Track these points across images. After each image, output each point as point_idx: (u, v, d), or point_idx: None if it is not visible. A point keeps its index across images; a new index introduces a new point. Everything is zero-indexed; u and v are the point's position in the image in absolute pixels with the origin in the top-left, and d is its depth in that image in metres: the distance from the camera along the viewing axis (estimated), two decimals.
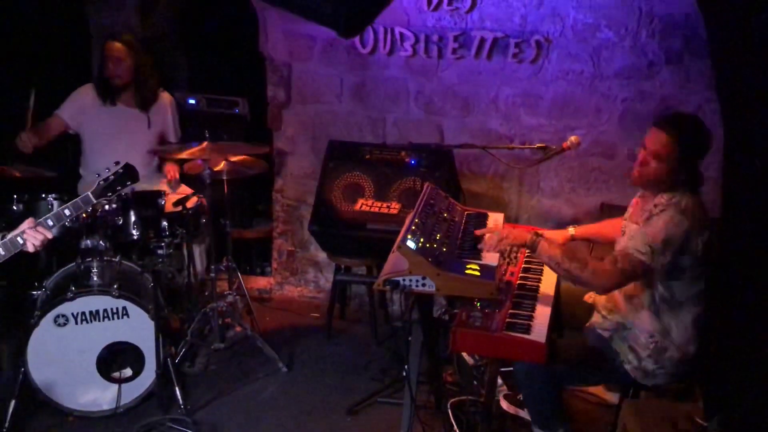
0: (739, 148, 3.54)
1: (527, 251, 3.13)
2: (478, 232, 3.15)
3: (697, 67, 4.01)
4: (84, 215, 3.65)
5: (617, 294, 3.03)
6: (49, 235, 2.80)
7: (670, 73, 4.07)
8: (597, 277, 2.79)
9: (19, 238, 2.77)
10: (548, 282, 3.15)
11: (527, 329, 2.76)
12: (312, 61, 4.66)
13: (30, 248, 2.79)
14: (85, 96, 4.38)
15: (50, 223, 2.84)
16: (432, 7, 4.29)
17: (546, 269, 3.22)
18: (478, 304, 2.89)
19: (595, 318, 3.14)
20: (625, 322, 2.97)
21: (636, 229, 2.91)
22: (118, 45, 4.30)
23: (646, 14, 4.01)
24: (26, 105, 4.03)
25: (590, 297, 3.26)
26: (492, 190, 4.53)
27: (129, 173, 3.03)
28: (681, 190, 2.87)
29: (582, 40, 4.15)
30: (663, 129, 2.86)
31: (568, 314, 3.30)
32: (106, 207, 3.72)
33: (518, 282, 3.12)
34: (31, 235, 2.76)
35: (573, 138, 3.43)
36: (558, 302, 3.14)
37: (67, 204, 2.90)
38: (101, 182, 2.98)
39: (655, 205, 2.88)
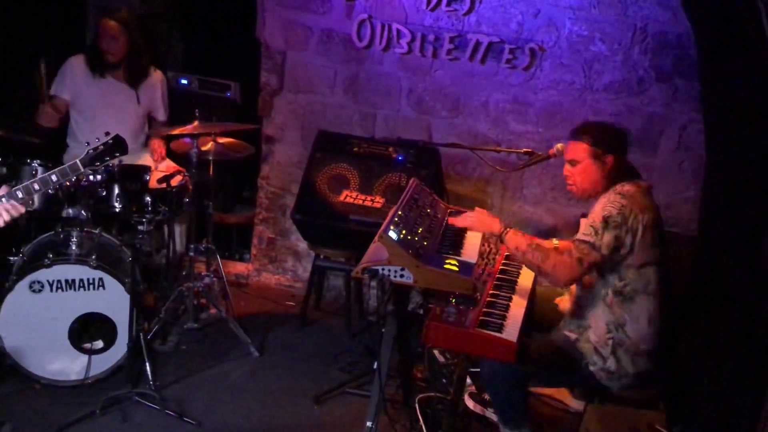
0: (720, 169, 3.61)
1: (500, 242, 3.19)
2: (452, 219, 3.27)
3: (685, 87, 4.08)
4: (67, 183, 3.64)
5: (579, 294, 3.11)
6: (22, 209, 2.76)
7: (658, 91, 4.14)
8: (557, 270, 2.88)
9: None
10: (524, 283, 3.19)
11: (500, 328, 2.80)
12: (307, 51, 4.68)
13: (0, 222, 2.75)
14: (75, 67, 4.36)
15: (19, 194, 2.78)
16: (431, 6, 4.33)
17: (523, 271, 3.28)
18: (453, 300, 2.92)
19: (562, 324, 3.19)
20: (587, 321, 3.04)
21: (584, 220, 3.04)
22: (113, 23, 4.28)
23: (640, 31, 4.08)
24: (38, 75, 4.01)
25: (560, 300, 3.31)
26: (475, 193, 4.58)
27: (118, 144, 3.03)
28: (620, 183, 3.02)
29: (575, 51, 4.20)
30: (573, 137, 3.08)
31: (540, 317, 3.34)
32: (91, 177, 3.72)
33: (494, 282, 3.16)
34: (3, 208, 2.72)
35: (559, 145, 3.46)
36: (532, 305, 3.18)
37: (54, 170, 2.88)
38: (90, 151, 2.97)
39: (598, 201, 3.04)
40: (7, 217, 2.75)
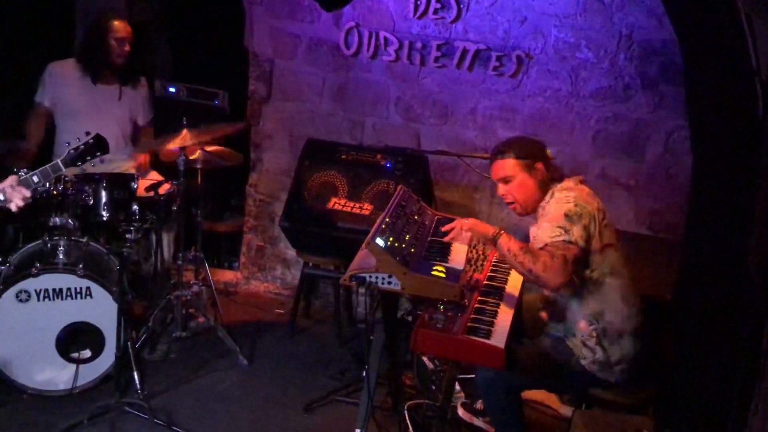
0: (707, 175, 3.63)
1: (492, 246, 3.18)
2: (446, 227, 3.21)
3: (670, 93, 4.11)
4: (54, 192, 3.63)
5: (554, 298, 3.12)
6: (28, 194, 2.82)
7: (644, 98, 4.16)
8: (547, 272, 2.82)
9: (0, 195, 2.79)
10: (512, 290, 3.20)
11: (488, 334, 2.80)
12: (296, 59, 4.69)
13: (13, 207, 2.81)
14: (56, 73, 4.27)
15: (36, 179, 2.87)
16: (418, 14, 4.35)
17: (510, 277, 3.29)
18: (442, 307, 2.92)
19: (548, 328, 3.20)
20: (568, 320, 3.04)
21: (536, 229, 3.03)
22: (126, 25, 4.23)
23: (626, 38, 4.10)
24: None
25: (544, 313, 3.31)
26: (464, 200, 4.59)
27: (99, 144, 3.06)
28: (554, 184, 3.07)
29: (562, 58, 4.23)
30: (497, 157, 3.10)
31: (529, 323, 3.35)
32: (78, 186, 3.70)
33: (482, 289, 3.17)
34: (9, 194, 2.79)
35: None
36: (520, 312, 3.19)
37: (36, 171, 2.90)
38: (71, 151, 3.00)
39: (542, 207, 3.06)
40: (19, 202, 2.82)
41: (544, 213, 3.01)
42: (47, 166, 2.94)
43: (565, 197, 2.95)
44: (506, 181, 3.08)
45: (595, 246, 2.92)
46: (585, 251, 2.89)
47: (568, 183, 3.04)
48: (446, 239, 3.17)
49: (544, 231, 2.90)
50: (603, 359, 2.96)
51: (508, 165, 3.05)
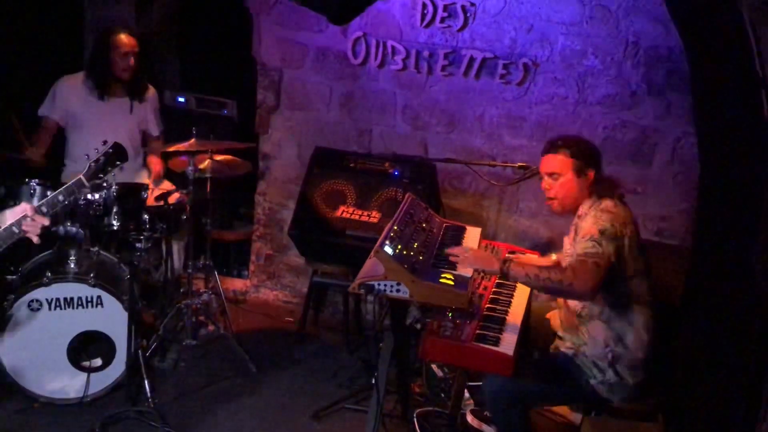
0: (714, 181, 3.64)
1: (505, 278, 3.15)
2: (449, 250, 3.16)
3: (677, 100, 4.11)
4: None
5: (571, 314, 3.10)
6: (46, 222, 2.70)
7: (651, 105, 4.16)
8: (577, 277, 2.76)
9: (14, 228, 2.67)
10: (520, 298, 3.20)
11: (496, 341, 2.81)
12: (303, 68, 4.72)
13: (34, 239, 2.71)
14: (66, 87, 4.28)
15: (44, 210, 2.74)
16: (425, 23, 4.37)
17: (518, 285, 3.28)
18: (450, 314, 2.93)
19: (557, 342, 3.20)
20: (583, 338, 3.03)
21: (571, 242, 3.05)
22: (132, 39, 4.23)
23: (632, 45, 4.11)
24: (12, 128, 4.00)
25: (551, 315, 3.31)
26: (472, 207, 4.60)
27: (118, 152, 2.98)
28: (595, 197, 3.04)
29: (569, 66, 4.24)
30: (550, 151, 3.08)
31: (537, 335, 3.35)
32: (89, 196, 3.73)
33: (491, 296, 3.18)
34: (28, 226, 2.66)
35: None
36: (528, 320, 3.19)
37: (60, 189, 2.82)
38: (92, 164, 2.92)
39: (579, 216, 3.05)
40: (37, 231, 2.69)
41: (580, 227, 2.99)
42: (71, 183, 2.84)
43: (601, 216, 2.92)
44: (554, 176, 3.06)
45: (622, 274, 2.91)
46: (615, 268, 2.86)
47: (609, 204, 2.99)
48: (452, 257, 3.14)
49: (577, 245, 2.90)
50: (614, 381, 2.96)
51: (560, 161, 3.04)
